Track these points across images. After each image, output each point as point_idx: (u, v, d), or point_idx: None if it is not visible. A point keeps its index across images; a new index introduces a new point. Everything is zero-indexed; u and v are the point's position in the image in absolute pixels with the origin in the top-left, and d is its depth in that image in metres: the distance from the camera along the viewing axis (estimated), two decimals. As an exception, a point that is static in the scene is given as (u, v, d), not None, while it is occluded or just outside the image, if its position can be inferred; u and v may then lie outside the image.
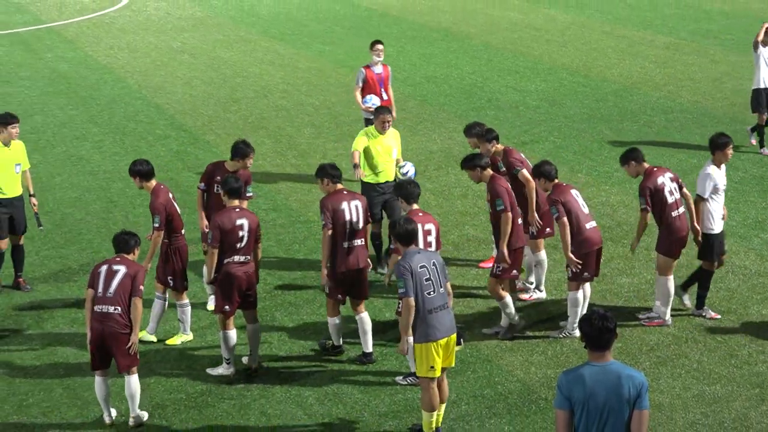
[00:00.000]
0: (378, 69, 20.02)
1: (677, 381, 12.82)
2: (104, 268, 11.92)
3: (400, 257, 11.52)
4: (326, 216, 13.19)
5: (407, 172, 16.41)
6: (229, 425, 12.04)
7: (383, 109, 16.51)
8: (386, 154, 16.22)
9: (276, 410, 12.29)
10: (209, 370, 13.19)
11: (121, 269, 11.88)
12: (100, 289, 11.77)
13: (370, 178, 16.21)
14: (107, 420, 11.96)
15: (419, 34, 34.63)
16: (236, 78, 28.83)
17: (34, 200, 15.87)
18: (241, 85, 27.98)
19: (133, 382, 11.84)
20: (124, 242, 12.22)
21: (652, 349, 13.65)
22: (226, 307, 12.95)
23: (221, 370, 13.18)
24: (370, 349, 13.48)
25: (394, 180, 16.13)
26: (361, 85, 19.91)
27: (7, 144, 15.48)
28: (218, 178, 14.41)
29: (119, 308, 11.70)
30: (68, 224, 18.23)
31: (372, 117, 17.43)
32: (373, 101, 18.90)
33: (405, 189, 13.04)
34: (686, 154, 21.70)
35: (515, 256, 13.95)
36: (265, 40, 34.10)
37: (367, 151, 16.17)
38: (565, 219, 13.63)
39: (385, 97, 19.78)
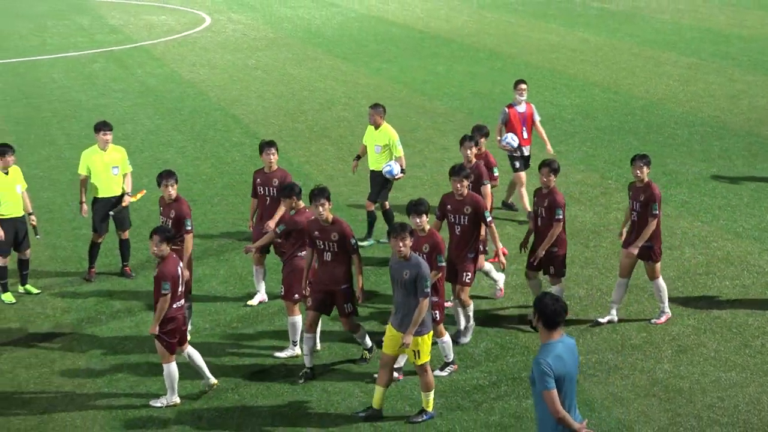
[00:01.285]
0: (521, 108, 18.43)
1: (696, 367, 12.71)
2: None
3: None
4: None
5: (390, 171, 16.76)
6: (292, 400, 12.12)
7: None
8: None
9: (336, 388, 12.34)
10: (276, 354, 13.20)
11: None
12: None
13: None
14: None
15: (467, 54, 34.56)
16: (303, 92, 28.91)
17: (33, 218, 15.41)
18: (307, 98, 28.06)
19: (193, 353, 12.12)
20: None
21: (674, 338, 13.54)
22: (296, 295, 12.98)
23: (288, 352, 13.20)
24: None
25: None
26: (502, 124, 18.43)
27: (104, 148, 15.60)
28: (258, 180, 14.68)
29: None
30: (154, 220, 18.23)
31: (512, 155, 17.98)
32: (509, 140, 17.75)
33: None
34: (706, 164, 21.54)
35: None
36: (330, 58, 34.18)
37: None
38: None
39: (525, 135, 18.25)
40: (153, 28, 41.08)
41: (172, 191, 13.74)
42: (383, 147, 17.22)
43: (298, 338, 13.15)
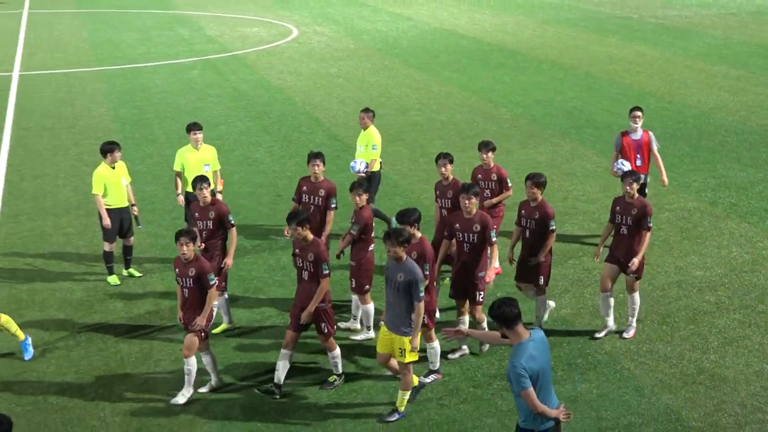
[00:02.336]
0: (636, 135, 16.44)
1: (741, 359, 12.51)
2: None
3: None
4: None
5: (353, 166, 16.45)
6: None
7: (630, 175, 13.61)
8: None
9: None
10: (353, 336, 13.21)
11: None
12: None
13: None
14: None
15: (531, 65, 34.34)
16: (380, 98, 28.95)
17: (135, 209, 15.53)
18: (384, 104, 28.09)
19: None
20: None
21: (720, 331, 13.32)
22: (366, 286, 12.99)
23: (363, 335, 13.23)
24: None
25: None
26: (616, 151, 16.60)
27: (196, 147, 15.76)
28: (304, 188, 14.16)
29: None
30: (243, 213, 18.52)
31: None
32: (620, 165, 15.85)
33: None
34: (754, 169, 21.15)
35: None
36: (405, 68, 34.19)
37: None
38: None
39: (638, 163, 16.28)
40: (246, 38, 41.44)
41: (207, 194, 13.26)
42: (364, 147, 17.10)
43: (372, 323, 13.15)
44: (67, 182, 20.55)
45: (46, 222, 18.04)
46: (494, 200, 14.94)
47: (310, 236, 11.56)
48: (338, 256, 13.49)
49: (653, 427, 11.02)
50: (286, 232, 13.66)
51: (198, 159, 15.73)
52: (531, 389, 8.19)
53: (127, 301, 14.55)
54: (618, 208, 12.97)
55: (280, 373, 11.55)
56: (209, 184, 13.44)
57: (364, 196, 13.06)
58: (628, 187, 12.76)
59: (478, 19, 47.38)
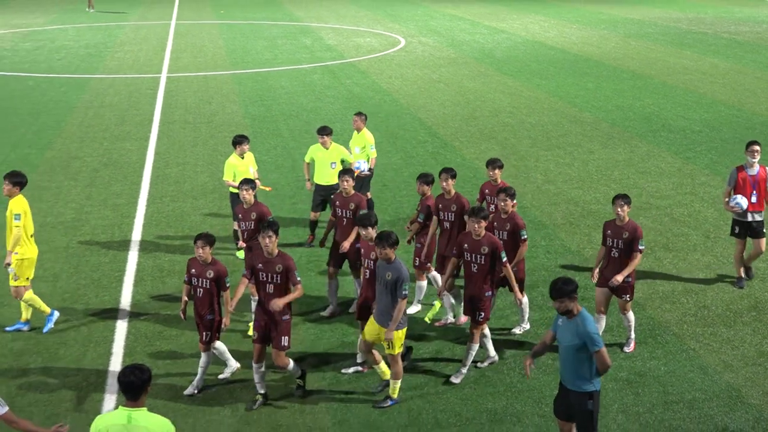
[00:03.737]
0: (752, 171, 13.92)
1: (799, 344, 12.10)
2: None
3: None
4: None
5: (358, 166, 15.85)
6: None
7: None
8: None
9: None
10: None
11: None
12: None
13: None
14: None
15: (613, 74, 33.71)
16: (476, 102, 28.80)
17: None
18: (479, 107, 27.94)
19: None
20: None
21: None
22: (429, 264, 12.90)
23: (413, 308, 13.11)
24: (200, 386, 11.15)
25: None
26: (730, 186, 14.07)
27: (326, 147, 15.67)
28: (336, 203, 13.07)
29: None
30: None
31: (735, 218, 13.99)
32: (738, 201, 13.72)
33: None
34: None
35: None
36: (498, 75, 33.93)
37: None
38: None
39: (753, 199, 13.85)
40: (360, 48, 41.67)
41: (248, 196, 12.67)
42: (361, 149, 16.60)
43: (422, 297, 13.22)
44: (204, 169, 21.00)
45: (186, 203, 18.46)
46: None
47: (277, 249, 10.57)
48: (408, 242, 13.40)
49: (715, 403, 10.78)
50: (322, 243, 13.31)
51: (326, 157, 15.70)
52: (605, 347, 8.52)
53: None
54: (609, 231, 11.76)
55: (262, 384, 10.72)
56: (254, 188, 12.84)
57: (428, 188, 12.84)
58: (619, 210, 11.62)
59: (566, 32, 46.70)
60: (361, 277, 11.45)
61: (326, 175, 15.71)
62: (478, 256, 11.10)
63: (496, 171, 13.43)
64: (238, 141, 15.32)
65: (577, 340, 8.49)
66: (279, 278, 10.47)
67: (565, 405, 8.83)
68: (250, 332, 11.82)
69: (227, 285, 10.88)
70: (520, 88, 31.12)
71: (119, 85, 32.01)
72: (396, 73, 34.33)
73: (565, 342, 8.63)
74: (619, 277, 11.56)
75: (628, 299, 11.88)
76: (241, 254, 15.38)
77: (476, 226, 11.04)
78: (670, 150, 22.64)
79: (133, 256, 15.61)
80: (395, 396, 10.75)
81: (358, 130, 16.75)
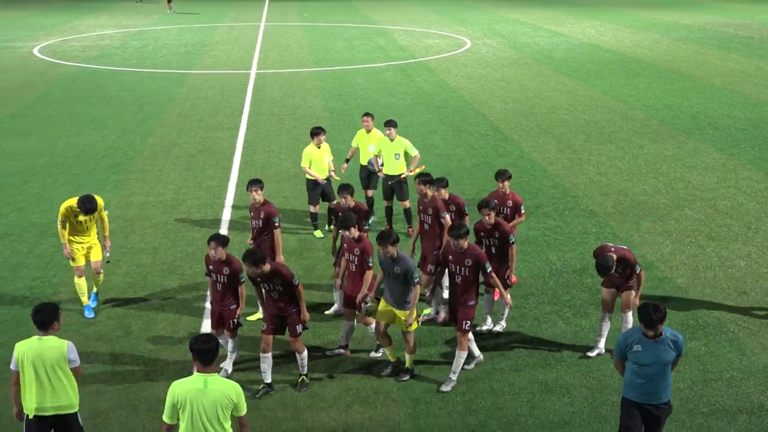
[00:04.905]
0: None
1: (834, 330, 11.70)
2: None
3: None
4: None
5: (371, 162, 15.35)
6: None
7: None
8: None
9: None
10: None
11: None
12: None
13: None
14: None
15: (663, 75, 32.94)
16: (534, 99, 28.45)
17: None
18: (537, 104, 27.60)
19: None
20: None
21: (817, 306, 12.48)
22: (429, 267, 12.07)
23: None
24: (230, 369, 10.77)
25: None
26: None
27: (391, 138, 15.45)
28: (420, 208, 12.33)
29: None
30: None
31: None
32: None
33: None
34: None
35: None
36: (556, 75, 33.44)
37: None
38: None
39: None
40: (429, 48, 41.48)
41: (257, 196, 12.15)
42: (402, 155, 15.57)
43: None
44: (287, 156, 21.17)
45: (270, 186, 18.58)
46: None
47: (268, 267, 10.08)
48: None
49: (752, 382, 10.51)
50: (411, 248, 12.58)
51: (391, 149, 15.43)
52: None
53: (327, 251, 14.77)
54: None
55: (269, 374, 10.32)
56: (261, 187, 12.29)
57: (425, 187, 12.18)
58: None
59: (620, 36, 45.77)
60: (342, 268, 11.29)
61: (392, 166, 15.53)
62: (462, 268, 10.40)
63: (506, 183, 12.67)
64: (315, 132, 15.26)
65: (673, 353, 8.07)
66: (281, 286, 10.14)
67: (649, 422, 8.25)
68: (253, 317, 11.98)
69: (242, 280, 10.55)
70: (576, 87, 30.63)
71: (213, 80, 32.45)
72: (462, 72, 34.09)
73: (654, 361, 8.02)
74: (636, 300, 10.84)
75: (630, 293, 10.90)
76: (318, 234, 15.46)
77: (459, 241, 10.30)
78: (716, 146, 22.06)
79: (223, 233, 15.80)
80: (410, 366, 10.66)
81: (368, 130, 16.07)
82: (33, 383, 8.00)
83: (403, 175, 15.48)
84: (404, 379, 10.59)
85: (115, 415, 9.85)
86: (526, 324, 12.04)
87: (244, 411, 7.30)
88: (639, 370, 8.10)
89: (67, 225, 12.09)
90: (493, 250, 11.48)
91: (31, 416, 8.09)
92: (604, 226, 16.08)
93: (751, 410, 9.94)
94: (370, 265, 10.91)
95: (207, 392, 7.10)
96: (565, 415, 9.84)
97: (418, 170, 15.46)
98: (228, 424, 7.22)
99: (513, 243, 11.42)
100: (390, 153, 15.51)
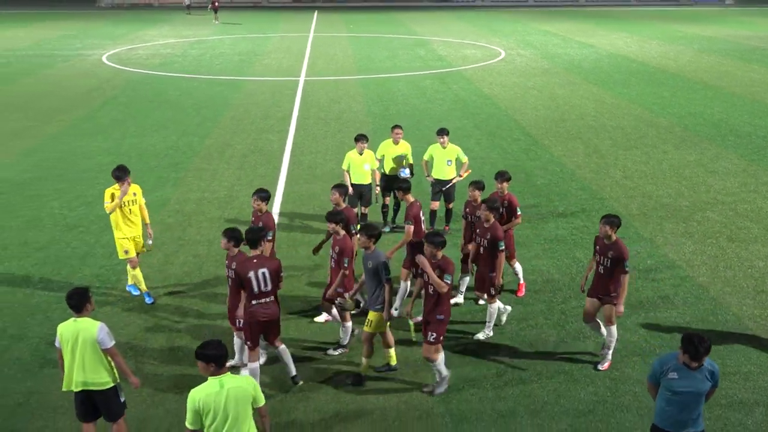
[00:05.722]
0: None
1: None
2: (252, 273, 9.37)
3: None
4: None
5: (403, 171, 14.80)
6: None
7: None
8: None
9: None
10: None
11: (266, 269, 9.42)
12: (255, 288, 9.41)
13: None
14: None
15: (686, 85, 32.41)
16: (564, 107, 28.17)
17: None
18: (567, 111, 27.32)
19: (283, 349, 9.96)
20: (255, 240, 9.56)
21: (833, 305, 12.18)
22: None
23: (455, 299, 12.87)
24: (294, 372, 10.05)
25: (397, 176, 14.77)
26: None
27: (443, 146, 14.97)
28: (467, 209, 12.11)
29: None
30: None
31: None
32: None
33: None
34: None
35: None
36: (585, 84, 33.07)
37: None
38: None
39: None
40: (466, 58, 41.29)
41: (255, 205, 11.43)
42: (453, 161, 15.25)
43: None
44: (332, 158, 21.22)
45: (316, 185, 18.68)
46: (504, 227, 12.00)
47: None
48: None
49: (769, 377, 10.31)
50: (462, 247, 12.15)
51: (443, 156, 15.10)
52: None
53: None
54: (598, 247, 10.20)
55: (290, 365, 9.96)
56: (263, 198, 11.42)
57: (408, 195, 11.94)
58: (602, 228, 9.99)
59: (646, 47, 45.12)
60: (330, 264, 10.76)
61: (443, 171, 15.25)
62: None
63: (504, 184, 12.24)
64: (357, 138, 14.98)
65: (709, 384, 7.41)
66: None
67: None
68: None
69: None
70: (604, 96, 30.26)
71: (265, 86, 32.65)
72: (496, 81, 33.88)
73: (689, 390, 7.34)
74: (621, 309, 10.09)
75: (612, 306, 10.15)
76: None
77: (433, 251, 9.53)
78: (737, 152, 21.65)
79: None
80: (393, 363, 10.32)
81: (396, 141, 15.44)
82: (71, 360, 8.17)
83: (454, 180, 15.27)
84: (383, 370, 10.28)
85: (171, 397, 9.96)
86: (553, 317, 11.93)
87: (262, 401, 7.18)
88: (672, 398, 7.40)
89: (119, 218, 12.19)
90: (481, 250, 11.02)
91: (75, 390, 8.27)
92: (629, 226, 15.87)
93: (767, 403, 9.74)
94: (346, 266, 10.36)
95: (226, 392, 6.97)
96: (589, 404, 9.74)
97: (466, 174, 15.15)
98: (251, 418, 7.12)
99: (502, 250, 10.70)
100: (442, 159, 15.18)
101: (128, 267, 12.45)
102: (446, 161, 15.26)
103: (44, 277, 13.36)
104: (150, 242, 12.83)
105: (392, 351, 10.35)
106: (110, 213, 12.19)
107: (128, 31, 54.97)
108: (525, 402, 9.77)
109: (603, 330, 10.60)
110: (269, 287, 9.40)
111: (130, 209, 12.28)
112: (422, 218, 11.82)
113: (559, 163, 20.54)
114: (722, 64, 38.35)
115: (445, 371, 9.85)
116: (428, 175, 15.44)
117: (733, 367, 10.51)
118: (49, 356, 10.75)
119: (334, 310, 10.93)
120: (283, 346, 9.90)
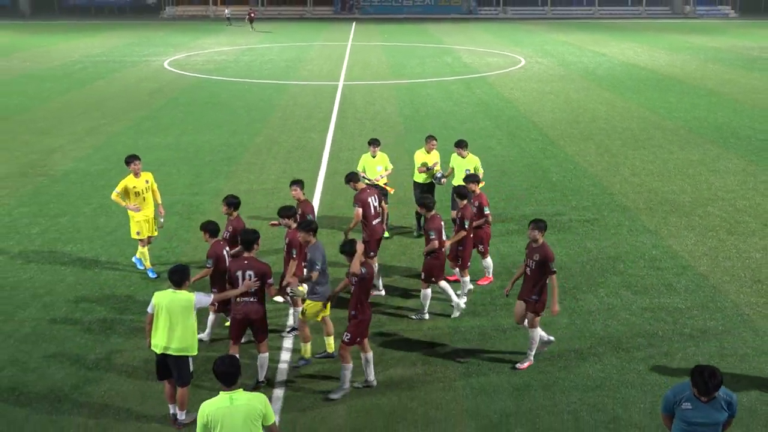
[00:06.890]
0: None
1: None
2: (240, 272, 9.06)
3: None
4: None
5: (437, 178, 14.30)
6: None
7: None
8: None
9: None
10: (413, 316, 11.42)
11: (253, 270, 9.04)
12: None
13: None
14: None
15: (692, 91, 31.84)
16: (579, 110, 27.85)
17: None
18: (581, 114, 27.02)
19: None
20: (250, 243, 9.24)
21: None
22: (433, 279, 11.05)
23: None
24: (261, 378, 9.35)
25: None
26: None
27: (463, 156, 14.31)
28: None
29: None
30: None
31: None
32: None
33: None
34: None
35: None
36: (598, 89, 32.66)
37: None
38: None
39: None
40: (489, 65, 40.99)
41: (298, 194, 11.20)
42: (434, 163, 14.75)
43: (427, 308, 11.17)
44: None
45: (353, 179, 18.68)
46: (474, 223, 11.73)
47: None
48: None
49: (764, 359, 10.12)
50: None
51: (463, 165, 14.27)
52: None
53: (391, 251, 14.78)
54: (527, 250, 9.74)
55: (260, 373, 9.38)
56: (233, 205, 10.90)
57: (474, 186, 11.80)
58: (531, 233, 9.56)
59: (655, 56, 44.40)
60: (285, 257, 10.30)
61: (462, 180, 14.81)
62: (353, 278, 9.09)
63: (473, 185, 11.89)
64: (370, 142, 14.55)
65: (725, 414, 6.48)
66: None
67: None
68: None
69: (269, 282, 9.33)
70: (615, 100, 29.86)
71: (308, 89, 32.74)
72: (516, 86, 33.59)
73: (704, 421, 6.43)
74: (557, 308, 9.56)
75: (535, 314, 9.68)
76: (385, 233, 15.08)
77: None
78: (737, 153, 21.25)
79: (311, 217, 15.95)
80: (332, 351, 9.97)
81: (429, 150, 14.74)
82: (164, 327, 8.31)
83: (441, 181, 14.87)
84: (300, 364, 9.75)
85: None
86: (565, 300, 11.83)
87: (272, 419, 6.46)
88: (687, 429, 6.46)
89: (135, 203, 12.48)
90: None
91: (158, 353, 8.41)
92: (635, 219, 15.68)
93: (763, 384, 9.57)
94: (294, 256, 10.00)
95: (235, 408, 6.35)
96: (597, 380, 9.66)
97: (481, 185, 14.19)
98: None
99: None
100: (461, 168, 14.48)
101: (139, 246, 12.77)
102: (465, 170, 14.51)
103: (111, 258, 13.57)
104: (162, 220, 13.13)
105: (331, 339, 9.95)
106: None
107: (187, 39, 55.45)
108: (538, 377, 9.72)
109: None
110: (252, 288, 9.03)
111: (144, 197, 12.64)
112: (443, 229, 11.19)
113: (572, 161, 20.34)
114: (726, 72, 37.62)
115: (372, 377, 9.31)
116: (445, 175, 14.59)
117: (731, 350, 10.34)
118: (116, 327, 10.92)
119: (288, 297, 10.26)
120: (265, 355, 9.24)
